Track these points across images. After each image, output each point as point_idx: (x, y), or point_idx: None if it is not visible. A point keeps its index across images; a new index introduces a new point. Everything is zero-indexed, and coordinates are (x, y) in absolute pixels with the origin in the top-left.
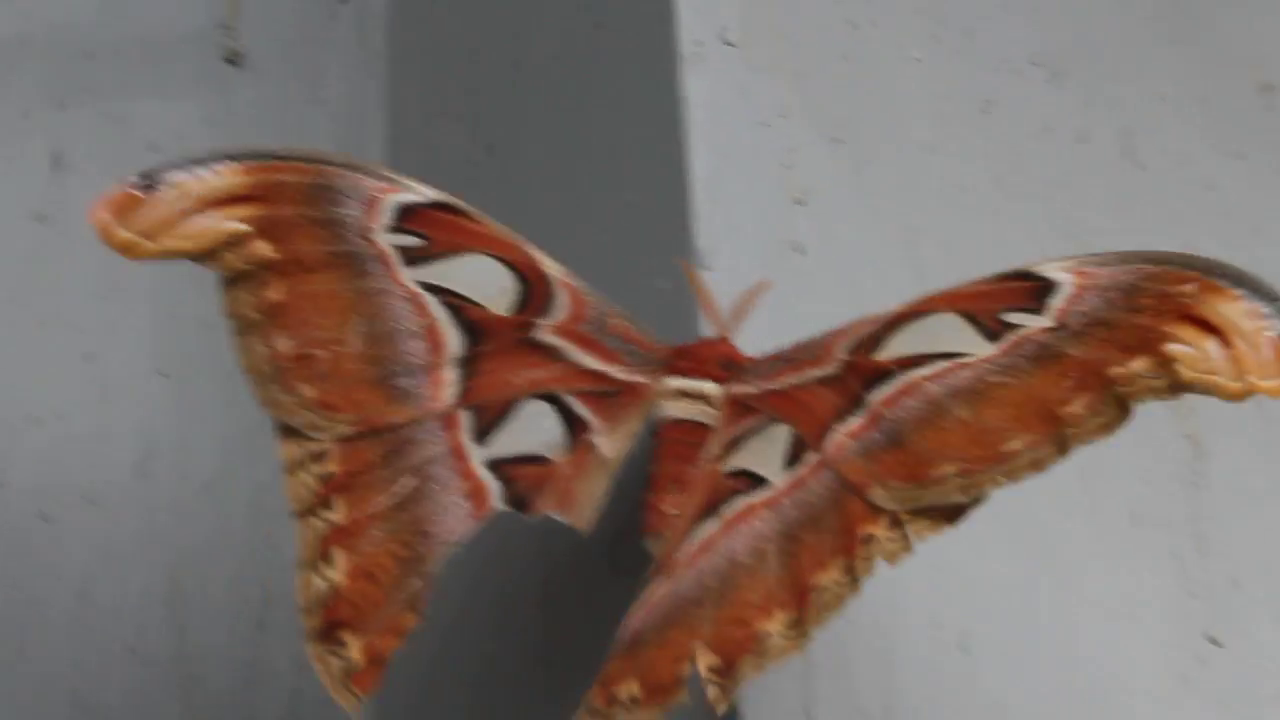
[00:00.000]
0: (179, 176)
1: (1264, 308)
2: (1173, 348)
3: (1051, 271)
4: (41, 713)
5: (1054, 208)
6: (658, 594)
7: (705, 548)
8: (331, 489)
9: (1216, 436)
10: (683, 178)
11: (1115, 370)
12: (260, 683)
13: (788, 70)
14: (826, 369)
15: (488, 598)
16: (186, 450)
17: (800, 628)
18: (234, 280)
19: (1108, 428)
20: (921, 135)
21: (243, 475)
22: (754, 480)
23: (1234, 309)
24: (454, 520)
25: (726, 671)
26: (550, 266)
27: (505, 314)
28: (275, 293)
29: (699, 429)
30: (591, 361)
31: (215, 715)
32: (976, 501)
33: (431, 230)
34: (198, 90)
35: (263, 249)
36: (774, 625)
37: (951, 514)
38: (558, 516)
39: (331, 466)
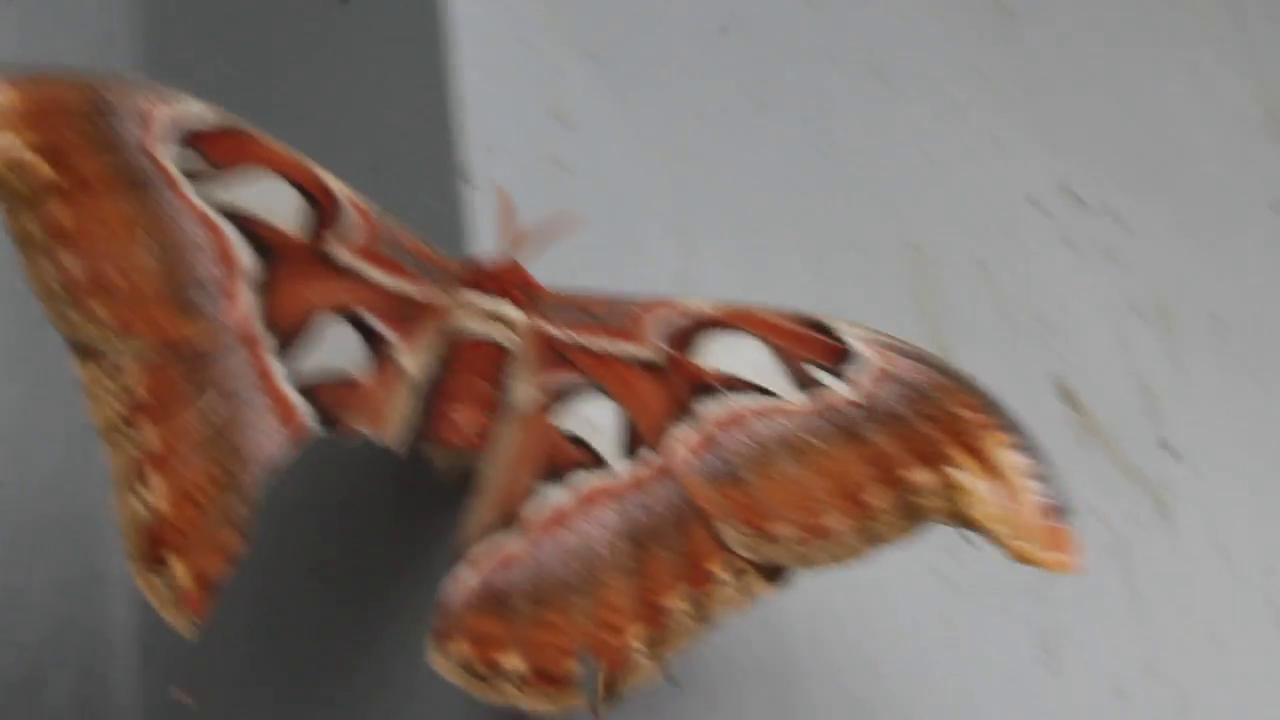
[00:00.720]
0: None
1: (1032, 467)
2: (955, 474)
3: (850, 338)
4: None
5: (810, 127)
6: (511, 551)
7: (559, 520)
8: (135, 409)
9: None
10: (445, 95)
11: (904, 474)
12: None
13: None
14: (644, 352)
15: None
16: None
17: (657, 650)
18: (19, 203)
19: (902, 532)
20: (678, 55)
21: None
22: (590, 454)
23: (1008, 458)
24: (265, 440)
25: (609, 682)
26: (336, 185)
27: (297, 233)
28: (62, 216)
29: (496, 349)
30: (388, 280)
31: None
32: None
33: (211, 149)
34: None
35: (44, 171)
36: (635, 640)
37: (776, 575)
38: (369, 434)
39: (132, 383)
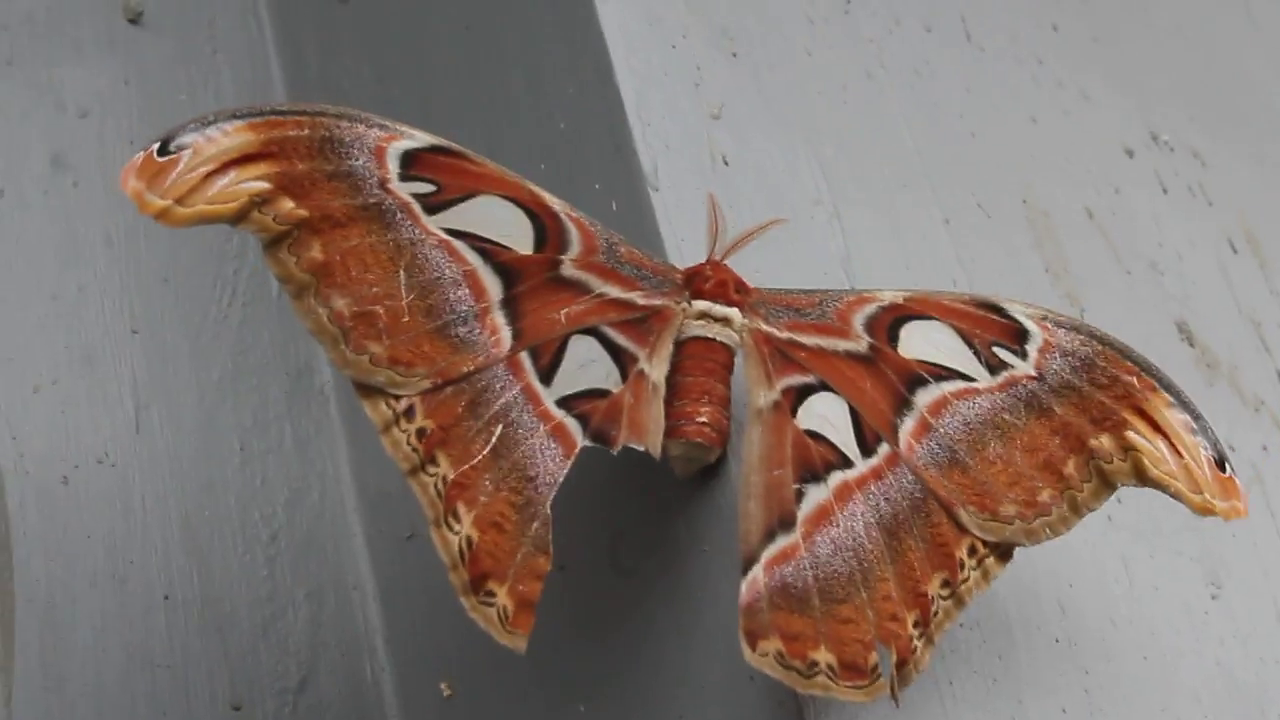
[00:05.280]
0: (191, 139)
1: (1194, 422)
2: (1132, 436)
3: (1020, 315)
4: (102, 665)
5: (916, 95)
6: (794, 551)
7: (824, 516)
8: (431, 445)
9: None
10: (618, 103)
11: (1089, 441)
12: (283, 615)
13: None
14: (854, 345)
15: None
16: (171, 402)
17: (928, 635)
18: (274, 242)
19: (1099, 498)
20: (799, 40)
21: (227, 420)
22: (835, 450)
23: (1173, 416)
24: (549, 461)
25: (900, 669)
26: (554, 201)
27: (529, 253)
28: (315, 251)
29: (720, 348)
30: (616, 291)
31: (250, 648)
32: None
33: (438, 175)
34: (109, 51)
35: (289, 205)
36: (913, 628)
37: (1008, 555)
38: (635, 445)
39: (422, 422)
